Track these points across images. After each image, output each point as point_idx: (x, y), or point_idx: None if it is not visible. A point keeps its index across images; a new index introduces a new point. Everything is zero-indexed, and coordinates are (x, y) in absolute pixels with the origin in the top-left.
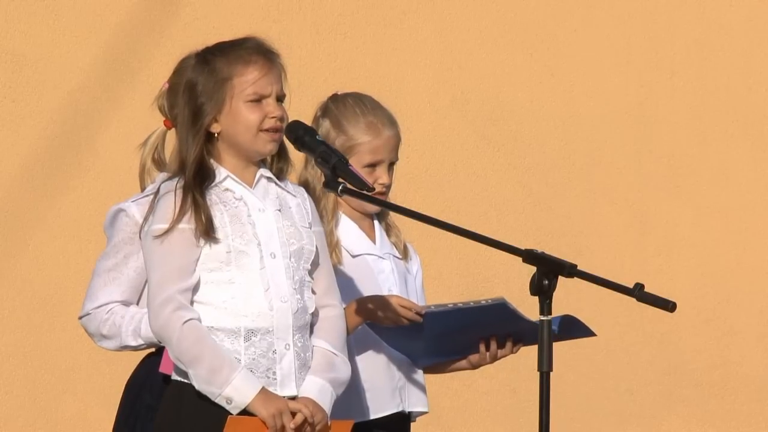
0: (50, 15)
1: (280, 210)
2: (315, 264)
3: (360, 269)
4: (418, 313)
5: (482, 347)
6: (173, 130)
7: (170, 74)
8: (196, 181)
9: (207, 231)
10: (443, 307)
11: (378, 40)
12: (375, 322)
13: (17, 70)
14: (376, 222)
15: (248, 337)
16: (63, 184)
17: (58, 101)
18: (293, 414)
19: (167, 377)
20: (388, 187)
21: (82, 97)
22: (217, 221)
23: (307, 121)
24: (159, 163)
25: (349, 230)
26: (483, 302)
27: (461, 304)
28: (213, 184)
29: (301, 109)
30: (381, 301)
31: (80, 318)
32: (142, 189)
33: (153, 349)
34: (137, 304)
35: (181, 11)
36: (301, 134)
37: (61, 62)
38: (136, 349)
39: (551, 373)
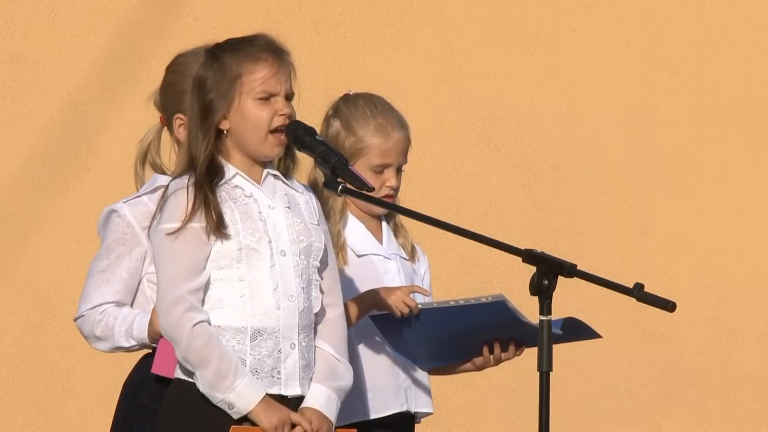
0: (50, 15)
1: (289, 207)
2: (323, 262)
3: (366, 269)
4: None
5: (486, 351)
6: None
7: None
8: (207, 177)
9: (218, 227)
10: (443, 304)
11: (378, 40)
12: (378, 307)
13: (17, 70)
14: (383, 223)
15: (254, 336)
16: (63, 184)
17: (58, 101)
18: (293, 425)
19: (160, 377)
20: (396, 190)
21: (82, 97)
22: (227, 218)
23: (313, 120)
24: (153, 165)
25: (356, 230)
26: (483, 299)
27: (462, 301)
28: (223, 181)
29: (301, 108)
30: (389, 290)
31: (75, 320)
32: (137, 188)
33: (149, 350)
34: (131, 305)
35: (181, 11)
36: (300, 134)
37: (61, 62)
38: (128, 350)
39: (551, 373)
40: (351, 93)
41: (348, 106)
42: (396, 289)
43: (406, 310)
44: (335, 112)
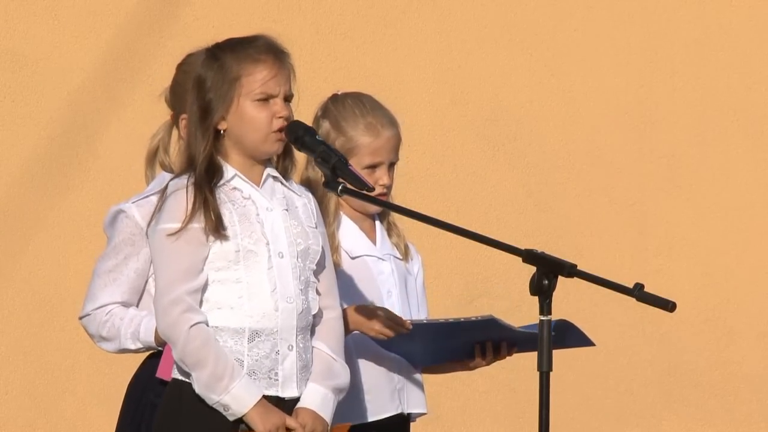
0: (50, 15)
1: (287, 210)
2: (320, 265)
3: (360, 271)
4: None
5: (478, 352)
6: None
7: (174, 71)
8: (206, 178)
9: (217, 228)
10: (433, 321)
11: (378, 40)
12: (363, 333)
13: (17, 70)
14: (377, 222)
15: (252, 338)
16: (63, 184)
17: (58, 101)
18: (288, 430)
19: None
20: (389, 187)
21: (82, 97)
22: (226, 220)
23: (307, 121)
24: (162, 164)
25: (349, 231)
26: (473, 318)
27: (452, 319)
28: (221, 182)
29: (301, 109)
30: (370, 314)
31: (80, 318)
32: (147, 183)
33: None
34: (137, 305)
35: (181, 11)
36: (301, 134)
37: (61, 62)
38: (135, 352)
39: (551, 373)
40: (339, 93)
41: (337, 106)
42: (377, 318)
43: (392, 335)
44: (324, 112)
